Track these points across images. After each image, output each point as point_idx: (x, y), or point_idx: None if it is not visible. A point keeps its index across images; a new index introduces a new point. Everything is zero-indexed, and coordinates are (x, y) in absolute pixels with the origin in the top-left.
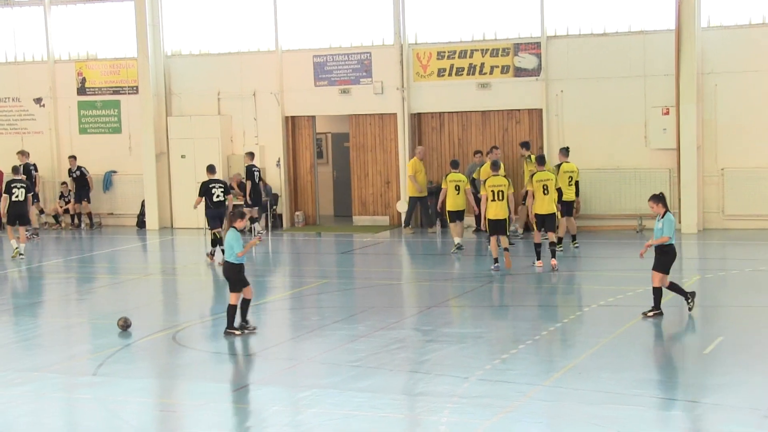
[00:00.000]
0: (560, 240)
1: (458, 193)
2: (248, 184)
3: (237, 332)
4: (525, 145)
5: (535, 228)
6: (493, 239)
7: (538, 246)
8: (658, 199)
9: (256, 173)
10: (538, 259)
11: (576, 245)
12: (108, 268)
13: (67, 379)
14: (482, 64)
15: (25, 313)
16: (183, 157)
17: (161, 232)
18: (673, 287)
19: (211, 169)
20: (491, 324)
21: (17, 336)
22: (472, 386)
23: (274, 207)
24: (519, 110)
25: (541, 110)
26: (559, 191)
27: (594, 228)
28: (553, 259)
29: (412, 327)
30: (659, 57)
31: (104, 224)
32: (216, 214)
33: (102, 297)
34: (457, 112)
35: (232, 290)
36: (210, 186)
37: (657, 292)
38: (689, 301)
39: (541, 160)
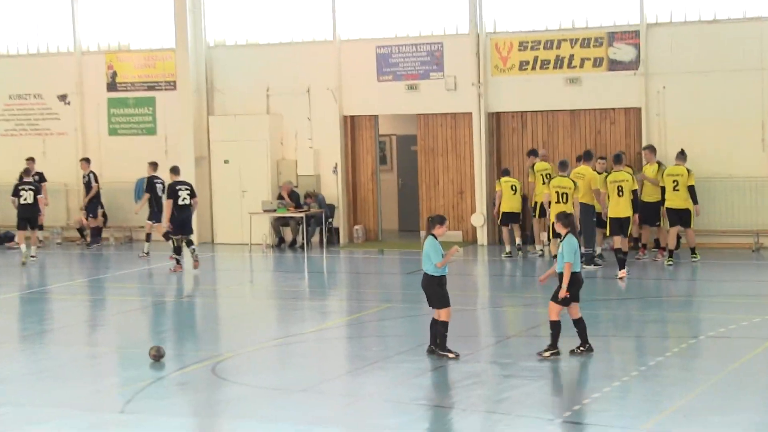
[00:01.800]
0: (671, 253)
1: (514, 194)
2: (146, 197)
3: (451, 354)
4: (533, 152)
5: (608, 233)
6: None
7: (618, 252)
8: (561, 217)
9: (159, 186)
10: (621, 267)
11: (694, 258)
12: (138, 289)
13: (91, 417)
14: (571, 56)
15: (43, 341)
16: (226, 162)
17: (201, 248)
18: (579, 326)
19: (175, 170)
20: (582, 357)
21: (35, 366)
22: (557, 430)
23: (330, 220)
24: (614, 109)
25: (639, 109)
26: (635, 194)
27: (702, 245)
28: (622, 270)
29: (488, 359)
30: None
31: (135, 239)
32: (181, 219)
33: (131, 322)
34: (541, 111)
35: (435, 306)
36: (176, 188)
37: (554, 327)
38: (578, 349)
39: (617, 159)
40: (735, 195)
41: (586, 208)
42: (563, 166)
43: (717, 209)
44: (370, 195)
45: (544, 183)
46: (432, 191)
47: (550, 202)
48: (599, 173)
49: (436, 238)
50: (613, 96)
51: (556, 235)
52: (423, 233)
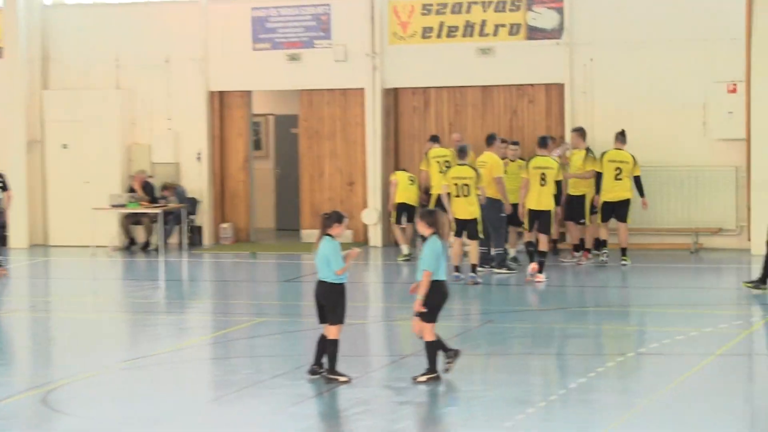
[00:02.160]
0: (602, 244)
1: (412, 184)
2: None
3: (342, 378)
4: (434, 139)
5: (526, 226)
6: (457, 242)
7: (530, 245)
8: (425, 216)
9: None
10: (532, 260)
11: (625, 262)
12: None
13: None
14: (483, 22)
15: None
16: (65, 147)
17: (31, 251)
18: (430, 349)
19: None
20: (490, 379)
21: None
22: None
23: (192, 217)
24: (532, 85)
25: (562, 86)
26: (559, 186)
27: (634, 246)
28: (533, 263)
29: (380, 383)
30: (726, 16)
31: None
32: None
33: None
34: (448, 87)
35: (329, 322)
36: None
37: (430, 347)
38: (446, 363)
39: (543, 143)
40: (672, 188)
41: (493, 203)
42: (462, 152)
43: (651, 204)
44: (241, 187)
45: (441, 173)
46: (316, 182)
47: (449, 195)
48: (512, 162)
49: (334, 239)
50: (531, 70)
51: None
52: (309, 233)
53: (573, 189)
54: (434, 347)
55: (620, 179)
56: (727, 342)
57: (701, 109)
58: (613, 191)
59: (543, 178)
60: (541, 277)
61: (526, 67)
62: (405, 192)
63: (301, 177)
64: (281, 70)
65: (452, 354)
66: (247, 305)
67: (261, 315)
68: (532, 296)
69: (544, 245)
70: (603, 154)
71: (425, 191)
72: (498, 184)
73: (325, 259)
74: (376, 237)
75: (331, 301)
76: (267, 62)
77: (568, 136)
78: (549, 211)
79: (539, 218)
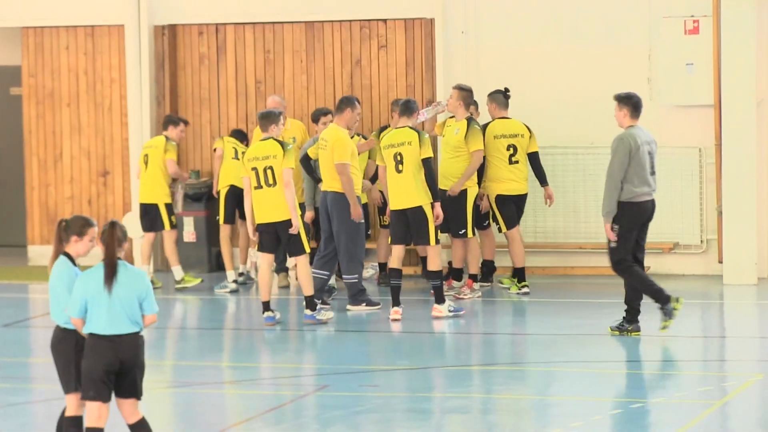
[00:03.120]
0: (485, 273)
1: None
2: None
3: None
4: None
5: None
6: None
7: (394, 275)
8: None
9: None
10: (396, 304)
11: (524, 288)
12: None
13: None
14: None
15: None
16: None
17: None
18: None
19: None
20: None
21: None
22: None
23: None
24: (386, 21)
25: (431, 21)
26: (428, 169)
27: (538, 270)
28: (395, 308)
29: None
30: None
31: None
32: None
33: None
34: (253, 23)
35: (65, 389)
36: None
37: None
38: None
39: (406, 109)
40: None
41: (337, 201)
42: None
43: (567, 205)
44: None
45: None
46: (51, 173)
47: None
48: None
49: (74, 262)
50: None
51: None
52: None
53: (445, 181)
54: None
55: (516, 162)
56: (688, 419)
57: (644, 60)
58: (508, 180)
59: (400, 161)
60: (398, 310)
61: None
62: (232, 170)
63: (26, 164)
64: None
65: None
66: None
67: None
68: (391, 347)
69: (434, 261)
70: (484, 127)
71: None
72: (343, 174)
73: (56, 291)
74: (141, 255)
75: (63, 359)
76: None
77: (441, 97)
78: (420, 208)
79: (407, 221)
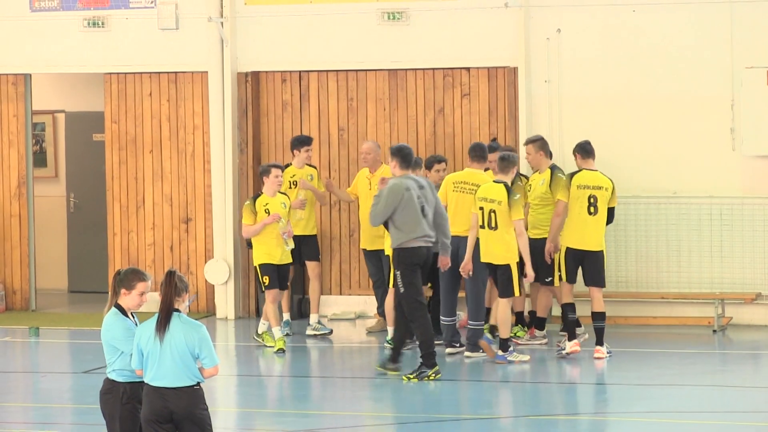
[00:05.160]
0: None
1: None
2: None
3: None
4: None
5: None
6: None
7: (569, 310)
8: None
9: None
10: (571, 336)
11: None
12: None
13: None
14: None
15: None
16: None
17: None
18: None
19: None
20: None
21: None
22: None
23: None
24: (469, 69)
25: (515, 70)
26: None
27: (624, 322)
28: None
29: None
30: None
31: None
32: None
33: None
34: (336, 71)
35: None
36: None
37: None
38: None
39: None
40: (686, 231)
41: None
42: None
43: (652, 256)
44: (14, 226)
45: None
46: (133, 219)
47: None
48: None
49: (127, 314)
50: (458, 46)
51: None
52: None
53: (533, 230)
54: None
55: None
56: None
57: (727, 109)
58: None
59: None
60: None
61: (452, 42)
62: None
63: (109, 210)
64: (77, 41)
65: None
66: (24, 410)
67: (47, 426)
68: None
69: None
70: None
71: None
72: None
73: (104, 343)
74: (227, 304)
75: (107, 408)
76: (54, 30)
77: (522, 150)
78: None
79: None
